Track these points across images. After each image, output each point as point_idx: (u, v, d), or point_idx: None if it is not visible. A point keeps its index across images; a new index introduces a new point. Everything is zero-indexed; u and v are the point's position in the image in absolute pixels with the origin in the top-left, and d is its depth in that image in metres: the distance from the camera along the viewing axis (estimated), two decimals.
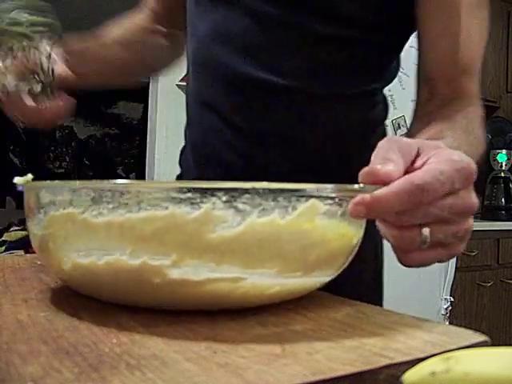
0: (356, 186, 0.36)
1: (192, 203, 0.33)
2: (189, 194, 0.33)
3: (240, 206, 0.34)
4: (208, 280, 0.34)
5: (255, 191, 0.34)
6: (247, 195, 0.34)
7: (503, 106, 2.79)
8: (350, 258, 0.41)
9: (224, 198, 0.34)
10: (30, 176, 0.42)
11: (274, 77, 0.65)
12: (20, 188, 0.41)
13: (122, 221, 0.34)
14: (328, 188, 0.36)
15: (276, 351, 0.30)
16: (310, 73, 0.66)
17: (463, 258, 2.19)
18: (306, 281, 0.38)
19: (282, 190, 0.35)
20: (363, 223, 0.41)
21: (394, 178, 0.34)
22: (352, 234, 0.40)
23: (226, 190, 0.34)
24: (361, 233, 0.41)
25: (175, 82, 2.09)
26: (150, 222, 0.34)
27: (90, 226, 0.35)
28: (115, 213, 0.34)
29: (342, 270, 0.41)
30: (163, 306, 0.37)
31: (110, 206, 0.34)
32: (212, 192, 0.34)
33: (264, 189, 0.35)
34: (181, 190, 0.34)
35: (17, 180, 0.42)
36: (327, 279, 0.41)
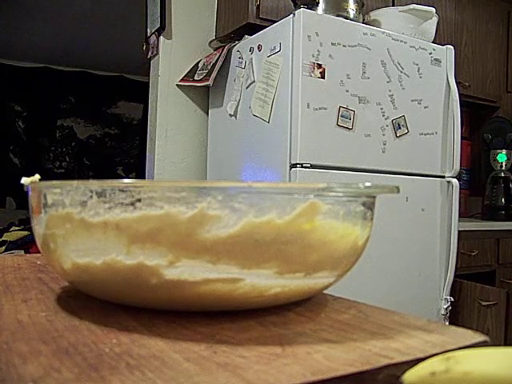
0: (360, 184, 0.36)
1: (187, 203, 0.33)
2: (183, 194, 0.33)
3: (236, 205, 0.33)
4: (205, 280, 0.34)
5: (251, 190, 0.34)
6: (244, 195, 0.34)
7: (503, 105, 2.79)
8: (356, 260, 0.41)
9: (219, 198, 0.33)
10: (37, 176, 0.42)
11: None
12: (27, 188, 0.41)
13: (118, 220, 0.34)
14: (330, 188, 0.36)
15: (276, 351, 0.30)
16: None
17: (463, 258, 2.19)
18: (308, 282, 0.37)
19: (280, 190, 0.35)
20: (369, 224, 0.40)
21: None
22: (356, 234, 0.39)
23: (222, 190, 0.34)
24: (367, 234, 0.40)
25: (175, 81, 2.10)
26: (145, 221, 0.33)
27: (86, 226, 0.35)
28: (111, 213, 0.34)
29: (347, 271, 0.41)
30: (162, 307, 0.37)
31: (107, 205, 0.34)
32: (207, 191, 0.33)
33: (261, 188, 0.34)
34: (176, 190, 0.33)
35: (24, 180, 0.41)
36: (331, 280, 0.40)
